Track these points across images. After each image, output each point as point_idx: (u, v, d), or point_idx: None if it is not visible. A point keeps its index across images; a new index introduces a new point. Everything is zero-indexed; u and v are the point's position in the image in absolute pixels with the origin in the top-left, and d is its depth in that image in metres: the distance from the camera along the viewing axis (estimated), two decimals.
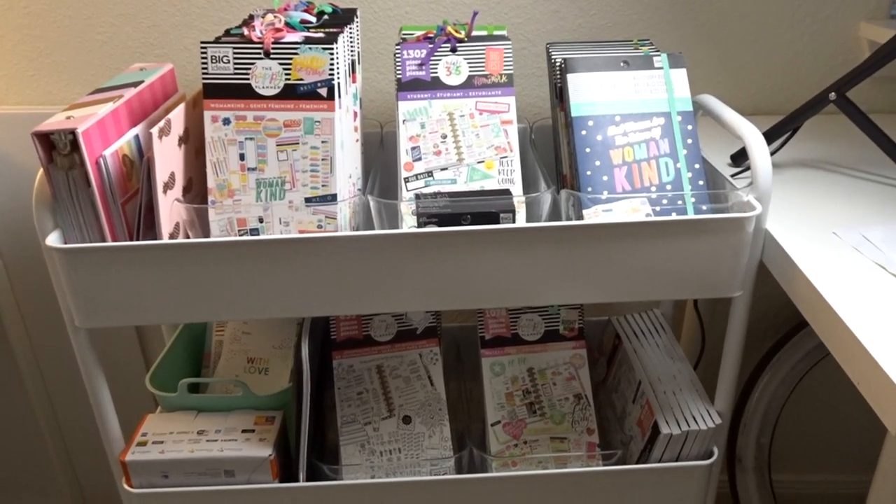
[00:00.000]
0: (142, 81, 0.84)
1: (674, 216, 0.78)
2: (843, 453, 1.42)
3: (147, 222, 0.76)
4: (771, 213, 0.80)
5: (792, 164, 0.97)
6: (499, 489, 0.88)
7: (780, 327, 1.21)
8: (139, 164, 0.78)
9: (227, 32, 0.82)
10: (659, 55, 0.84)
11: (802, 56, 1.14)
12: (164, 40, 1.11)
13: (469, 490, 0.88)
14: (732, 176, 0.92)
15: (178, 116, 0.79)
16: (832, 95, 0.89)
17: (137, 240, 0.76)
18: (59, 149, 0.71)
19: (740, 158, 0.96)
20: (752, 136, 0.78)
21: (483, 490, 0.88)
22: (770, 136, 0.94)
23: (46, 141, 0.71)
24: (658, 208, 0.79)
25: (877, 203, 0.85)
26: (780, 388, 1.21)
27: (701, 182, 0.81)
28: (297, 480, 0.87)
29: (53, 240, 0.74)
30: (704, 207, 0.80)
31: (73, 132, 0.69)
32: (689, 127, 0.83)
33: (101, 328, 0.78)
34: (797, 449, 1.41)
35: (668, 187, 0.81)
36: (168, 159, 0.76)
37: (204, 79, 0.77)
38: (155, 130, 0.73)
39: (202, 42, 0.76)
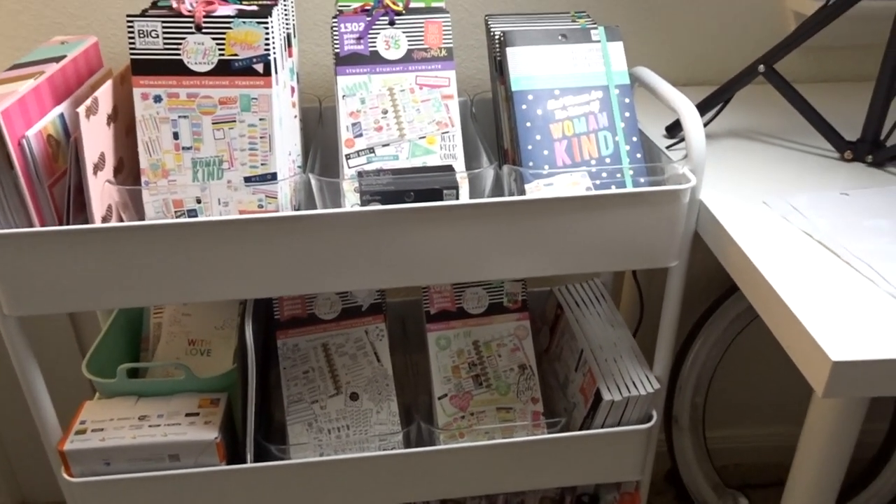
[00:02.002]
0: (64, 56, 0.79)
1: (613, 189, 0.79)
2: (773, 408, 1.49)
3: (77, 205, 0.73)
4: (704, 183, 0.82)
5: (724, 135, 1.00)
6: (447, 461, 0.90)
7: (713, 292, 1.26)
8: (66, 145, 0.75)
9: (155, 4, 0.79)
10: (596, 28, 0.85)
11: (733, 27, 1.17)
12: (85, 10, 1.05)
13: (418, 463, 0.89)
14: (668, 147, 0.94)
15: (105, 94, 0.75)
16: (761, 68, 0.92)
17: (68, 224, 0.73)
18: None
19: (675, 130, 0.98)
20: (686, 109, 0.80)
21: (432, 463, 0.89)
22: (703, 107, 0.96)
23: None
24: (598, 182, 0.81)
25: (804, 172, 0.88)
26: (713, 350, 1.26)
27: (638, 155, 0.83)
28: (244, 462, 0.87)
29: None
30: (642, 180, 0.82)
31: None
32: (627, 100, 0.84)
33: (33, 315, 0.75)
34: (730, 406, 1.48)
35: (607, 161, 0.82)
36: (97, 139, 0.73)
37: (132, 54, 0.74)
38: (82, 109, 0.70)
39: (128, 15, 0.73)
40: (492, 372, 0.96)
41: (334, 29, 0.83)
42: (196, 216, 0.76)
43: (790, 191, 0.83)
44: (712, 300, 1.25)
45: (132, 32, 0.73)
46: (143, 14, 0.74)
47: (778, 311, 0.65)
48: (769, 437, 1.51)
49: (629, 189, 0.80)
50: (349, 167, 0.82)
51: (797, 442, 0.78)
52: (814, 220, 0.77)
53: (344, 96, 0.83)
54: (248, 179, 0.76)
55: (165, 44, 0.73)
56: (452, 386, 0.95)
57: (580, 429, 0.93)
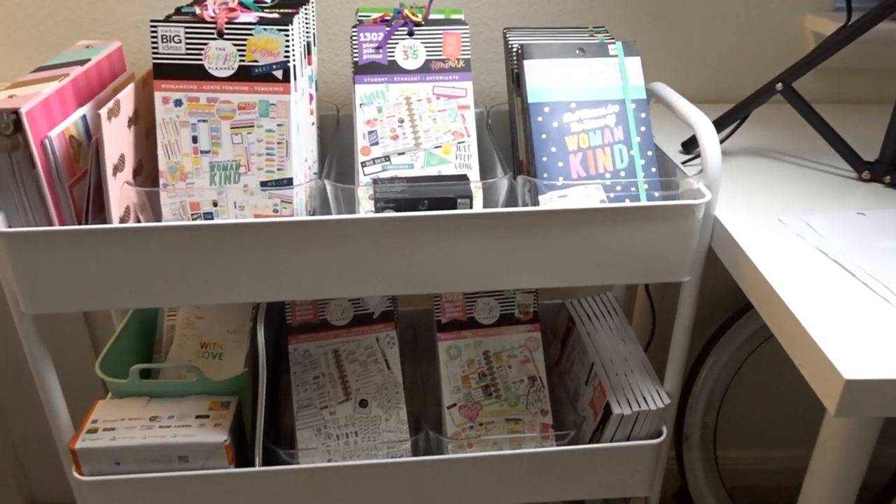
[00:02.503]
0: (88, 59, 0.81)
1: (627, 203, 0.79)
2: (785, 430, 1.48)
3: (96, 206, 0.74)
4: (719, 199, 0.82)
5: (740, 152, 1.00)
6: (455, 471, 0.89)
7: (727, 310, 1.25)
8: (87, 146, 0.76)
9: (178, 11, 0.80)
10: (614, 43, 0.85)
11: (751, 46, 1.17)
12: (110, 17, 1.07)
13: (425, 472, 0.89)
14: (683, 163, 0.94)
15: (127, 97, 0.77)
16: (779, 86, 0.92)
17: (86, 224, 0.74)
18: (1, 129, 0.69)
19: (691, 146, 0.98)
20: (703, 125, 0.80)
21: (439, 472, 0.89)
22: (719, 124, 0.96)
23: None
24: (612, 195, 0.81)
25: (819, 191, 0.88)
26: (725, 368, 1.25)
27: (653, 169, 0.83)
28: (252, 466, 0.87)
29: None
30: (656, 194, 0.82)
31: (16, 112, 0.67)
32: (643, 115, 0.84)
33: (48, 314, 0.76)
34: (741, 426, 1.46)
35: (622, 174, 0.82)
36: (117, 141, 0.74)
37: (154, 59, 0.75)
38: (104, 111, 0.71)
39: (152, 21, 0.74)
40: (501, 383, 0.96)
41: (354, 38, 0.84)
42: (212, 219, 0.77)
43: (806, 209, 0.83)
44: (726, 318, 1.25)
45: (155, 37, 0.74)
46: (167, 20, 0.75)
47: (791, 329, 0.65)
48: (781, 459, 1.49)
49: (643, 202, 0.80)
50: (364, 174, 0.82)
51: (807, 465, 0.78)
52: (829, 238, 0.76)
53: (361, 104, 0.84)
54: (264, 184, 0.77)
55: (188, 49, 0.75)
56: (462, 396, 0.95)
57: (589, 442, 0.93)
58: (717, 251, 0.81)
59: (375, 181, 0.80)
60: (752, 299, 0.73)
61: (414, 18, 0.86)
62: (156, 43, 0.74)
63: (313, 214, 0.83)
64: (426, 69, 0.85)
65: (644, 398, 0.90)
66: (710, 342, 1.25)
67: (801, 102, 0.92)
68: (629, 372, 0.94)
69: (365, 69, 0.84)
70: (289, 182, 0.77)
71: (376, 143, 0.83)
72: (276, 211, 0.77)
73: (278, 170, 0.77)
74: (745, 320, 1.22)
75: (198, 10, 0.76)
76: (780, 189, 0.88)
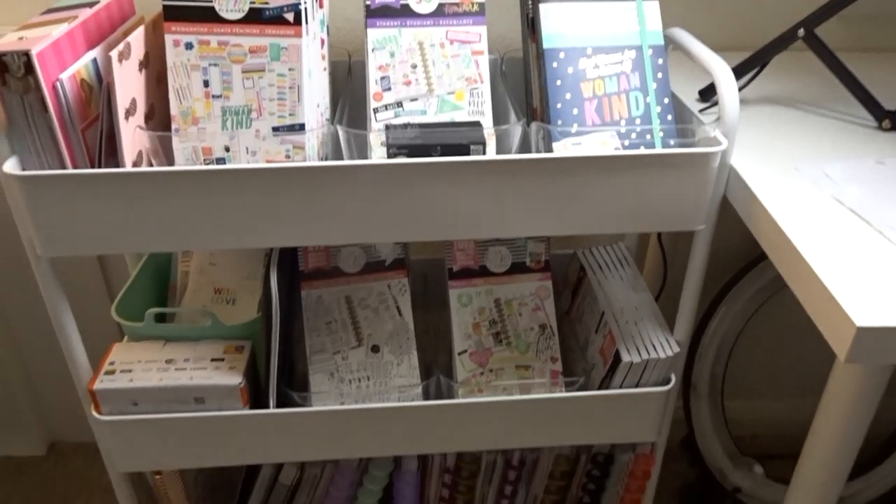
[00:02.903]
0: (97, 2, 0.80)
1: (642, 150, 0.78)
2: (792, 381, 1.49)
3: (108, 150, 0.74)
4: (736, 148, 0.81)
5: (759, 100, 0.98)
6: (465, 415, 0.91)
7: (739, 260, 1.24)
8: (98, 90, 0.75)
9: None
10: None
11: None
12: None
13: (436, 416, 0.91)
14: (701, 111, 0.93)
15: (137, 39, 0.76)
16: (801, 32, 0.90)
17: (99, 167, 0.74)
18: (12, 71, 0.68)
19: (709, 93, 0.96)
20: (721, 72, 0.78)
21: (449, 416, 0.91)
22: (738, 71, 0.94)
23: None
24: (627, 142, 0.80)
25: (838, 139, 0.86)
26: (735, 319, 1.26)
27: (669, 117, 0.82)
28: (266, 408, 0.89)
29: (11, 166, 0.71)
30: (672, 142, 0.81)
31: (27, 54, 0.66)
32: (660, 61, 0.83)
33: (64, 258, 0.77)
34: (749, 377, 1.48)
35: (638, 121, 0.81)
36: (128, 84, 0.74)
37: (164, 0, 0.74)
38: (114, 54, 0.70)
39: None
40: (512, 330, 0.96)
41: None
42: (224, 164, 0.77)
43: (824, 158, 0.82)
44: (737, 269, 1.24)
45: None
46: None
47: (804, 276, 0.64)
48: (788, 409, 1.51)
49: (658, 150, 0.79)
50: (377, 120, 0.82)
51: (812, 414, 0.78)
52: (846, 187, 0.75)
53: (373, 49, 0.82)
54: (275, 129, 0.77)
55: None
56: (472, 342, 0.96)
57: (598, 389, 0.94)
58: (732, 200, 0.81)
59: (388, 127, 0.79)
60: (766, 248, 0.73)
61: None
62: None
63: (326, 160, 0.82)
64: (440, 13, 0.83)
65: (654, 346, 0.90)
66: (722, 293, 1.25)
67: (822, 48, 0.90)
68: (639, 320, 0.94)
69: (377, 13, 0.83)
70: (301, 127, 0.77)
71: (388, 89, 0.82)
72: (287, 156, 0.77)
73: (290, 115, 0.77)
74: (757, 272, 1.22)
75: None
76: (798, 138, 0.87)
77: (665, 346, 0.90)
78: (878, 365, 0.68)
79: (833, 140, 0.86)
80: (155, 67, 0.80)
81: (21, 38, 0.69)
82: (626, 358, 0.89)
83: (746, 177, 0.78)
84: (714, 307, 1.26)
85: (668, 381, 0.92)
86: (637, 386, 0.92)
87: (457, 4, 0.84)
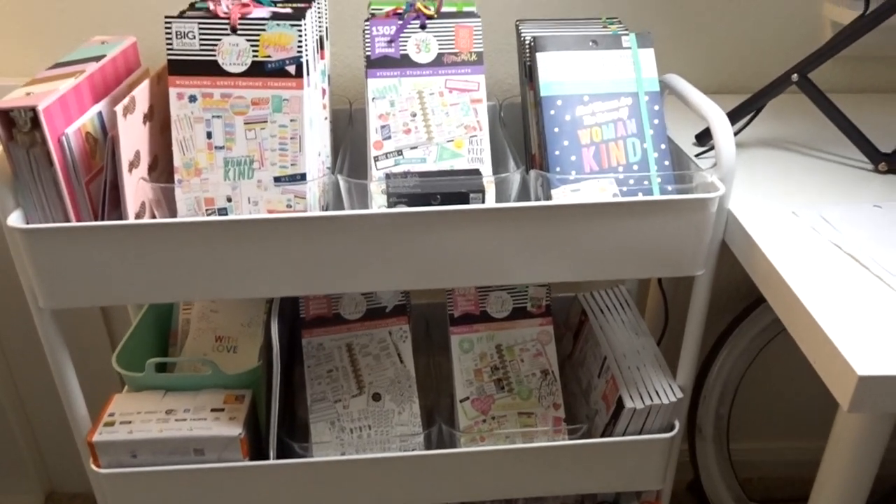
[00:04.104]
0: (104, 55, 0.81)
1: (640, 196, 0.79)
2: (798, 422, 1.47)
3: (112, 201, 0.75)
4: (733, 192, 0.81)
5: (755, 144, 0.99)
6: (467, 464, 0.90)
7: (740, 302, 1.24)
8: (103, 142, 0.77)
9: (192, 6, 0.81)
10: (627, 35, 0.85)
11: (767, 36, 1.16)
12: (124, 10, 1.08)
13: (439, 465, 0.90)
14: (697, 156, 0.94)
15: (142, 93, 0.77)
16: (794, 77, 0.91)
17: (102, 219, 0.75)
18: (19, 126, 0.69)
19: (705, 138, 0.97)
20: (717, 118, 0.79)
21: (452, 465, 0.90)
22: (734, 116, 0.95)
23: (6, 118, 0.69)
24: (625, 188, 0.80)
25: (835, 183, 0.87)
26: (738, 361, 1.25)
27: (666, 162, 0.83)
28: (267, 459, 0.88)
29: (15, 219, 0.72)
30: (670, 188, 0.81)
31: (33, 109, 0.68)
32: (656, 107, 0.84)
33: (66, 309, 0.77)
34: (755, 418, 1.46)
35: (635, 167, 0.82)
36: (133, 137, 0.75)
37: (169, 55, 0.75)
38: (119, 108, 0.71)
39: (166, 17, 0.75)
40: (514, 376, 0.96)
41: (366, 32, 0.84)
42: (226, 214, 0.77)
43: (821, 202, 0.82)
44: (739, 310, 1.24)
45: (170, 33, 0.75)
46: (181, 15, 0.76)
47: (804, 324, 0.64)
48: (794, 450, 1.49)
49: (656, 196, 0.79)
50: (377, 169, 0.83)
51: (820, 456, 0.77)
52: (844, 231, 0.76)
53: (374, 99, 0.84)
54: (277, 179, 0.77)
55: (201, 45, 0.75)
56: (474, 389, 0.95)
57: (601, 436, 0.93)
58: (731, 244, 0.81)
59: (388, 176, 0.80)
60: (766, 293, 0.73)
61: (426, 12, 0.85)
62: (170, 39, 0.75)
63: (327, 209, 0.83)
64: (438, 63, 0.85)
65: (657, 392, 0.90)
66: (724, 335, 1.25)
67: (816, 93, 0.91)
68: (642, 365, 0.94)
69: (377, 63, 0.84)
70: (302, 177, 0.77)
71: (389, 138, 0.83)
72: (289, 206, 0.78)
73: (292, 165, 0.77)
74: (758, 313, 1.22)
75: (211, 6, 0.77)
76: (794, 181, 0.88)
77: (668, 392, 0.90)
78: (883, 413, 0.67)
79: (830, 183, 0.87)
80: (159, 119, 0.82)
81: (28, 94, 0.71)
82: (629, 404, 0.88)
83: (745, 221, 0.78)
84: (717, 348, 1.25)
85: (672, 428, 0.91)
86: (641, 432, 0.91)
87: (455, 54, 0.85)
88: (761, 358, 1.29)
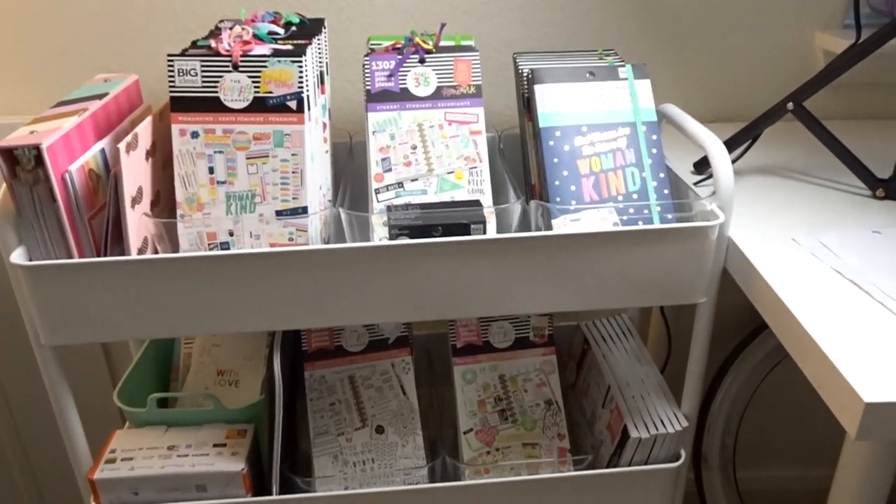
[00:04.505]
0: (106, 94, 0.82)
1: (640, 225, 0.79)
2: (806, 449, 1.46)
3: (115, 237, 0.75)
4: (733, 220, 0.82)
5: (752, 172, 1.00)
6: (472, 497, 0.89)
7: (742, 329, 1.24)
8: (106, 179, 0.77)
9: (194, 44, 0.82)
10: (624, 66, 0.86)
11: (761, 64, 1.17)
12: (126, 48, 1.10)
13: (443, 499, 0.89)
14: (695, 184, 0.94)
15: (145, 130, 0.78)
16: (790, 106, 0.92)
17: (105, 255, 0.75)
18: (22, 164, 0.70)
19: (702, 166, 0.98)
20: (715, 147, 0.80)
21: (457, 498, 0.89)
22: (731, 144, 0.96)
23: (9, 156, 0.69)
24: (625, 217, 0.81)
25: (834, 209, 0.88)
26: (743, 388, 1.24)
27: (666, 191, 0.83)
28: (270, 494, 0.87)
29: (18, 256, 0.72)
30: (670, 216, 0.82)
31: (37, 147, 0.68)
32: (654, 137, 0.85)
33: (68, 345, 0.77)
34: (761, 446, 1.45)
35: (635, 196, 0.82)
36: (135, 173, 0.76)
37: (171, 92, 0.76)
38: (122, 145, 0.72)
39: (169, 55, 0.76)
40: (518, 407, 0.95)
41: (366, 67, 0.85)
42: (228, 249, 0.78)
43: (820, 228, 0.83)
44: (742, 337, 1.24)
45: (172, 71, 0.76)
46: (184, 53, 0.77)
47: (809, 350, 0.64)
48: (802, 479, 1.47)
49: (657, 225, 0.80)
50: (378, 201, 0.83)
51: (828, 484, 0.77)
52: (844, 258, 0.76)
53: (374, 132, 0.84)
54: (279, 213, 0.78)
55: (203, 82, 0.76)
56: (478, 420, 0.94)
57: (607, 466, 0.92)
58: (732, 272, 0.81)
59: (389, 208, 0.81)
60: (769, 320, 0.73)
61: (425, 46, 0.87)
62: (172, 76, 0.76)
63: (328, 242, 0.83)
64: (438, 96, 0.86)
65: (661, 421, 0.89)
66: (727, 361, 1.24)
67: (812, 121, 0.92)
68: (646, 394, 0.93)
69: (377, 97, 0.85)
70: (304, 211, 0.78)
71: (389, 170, 0.84)
72: (291, 239, 0.78)
73: (293, 199, 0.78)
74: (761, 339, 1.21)
75: (213, 44, 0.78)
76: (793, 208, 0.88)
77: (673, 421, 0.89)
78: (891, 440, 0.67)
79: (828, 210, 0.88)
80: (161, 155, 0.82)
81: (32, 132, 0.71)
82: (634, 434, 0.87)
83: (745, 249, 0.78)
84: (720, 376, 1.25)
85: (678, 457, 0.90)
86: (647, 462, 0.90)
87: (454, 87, 0.86)
88: (765, 385, 1.28)
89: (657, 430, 0.88)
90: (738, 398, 1.24)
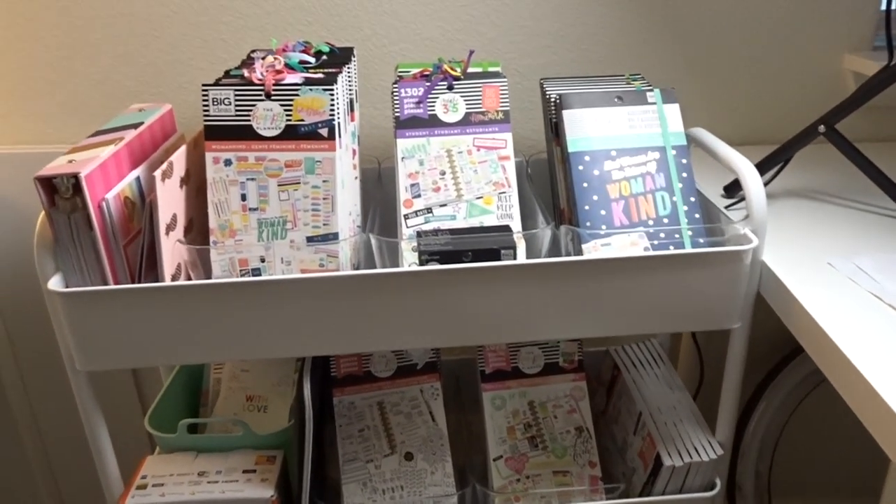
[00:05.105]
0: (141, 123, 0.84)
1: (672, 250, 0.79)
2: (844, 477, 1.42)
3: (149, 263, 0.76)
4: (766, 243, 0.81)
5: (783, 195, 0.98)
6: None
7: (775, 353, 1.22)
8: (141, 206, 0.78)
9: (227, 74, 0.83)
10: (652, 90, 0.86)
11: (790, 87, 1.16)
12: (160, 79, 1.12)
13: None
14: (726, 207, 0.93)
15: (179, 158, 0.79)
16: (821, 128, 0.91)
17: (139, 281, 0.76)
18: (61, 192, 0.71)
19: (733, 189, 0.97)
20: (747, 170, 0.79)
21: None
22: (762, 167, 0.95)
23: (49, 185, 0.71)
24: (656, 242, 0.80)
25: (867, 232, 0.86)
26: (777, 414, 1.22)
27: (697, 215, 0.82)
28: None
29: (55, 283, 0.73)
30: (701, 240, 0.81)
31: (75, 176, 0.70)
32: (684, 161, 0.84)
33: (102, 371, 0.77)
34: (796, 475, 1.41)
35: (665, 221, 0.82)
36: (170, 201, 0.77)
37: (206, 120, 0.77)
38: (158, 173, 0.73)
39: (203, 85, 0.77)
40: (548, 434, 0.94)
41: (395, 94, 0.86)
42: (260, 275, 0.78)
43: (855, 252, 0.81)
44: (776, 361, 1.22)
45: (206, 100, 0.77)
46: (217, 83, 0.78)
47: (848, 376, 0.63)
48: None
49: (689, 250, 0.79)
50: (407, 227, 0.83)
51: None
52: (882, 282, 0.74)
53: (403, 158, 0.85)
54: (310, 239, 0.78)
55: (237, 110, 0.77)
56: (508, 447, 0.93)
57: (640, 495, 0.90)
58: (766, 296, 0.80)
59: (419, 234, 0.81)
60: (806, 346, 0.72)
61: (453, 73, 0.88)
62: (207, 105, 0.77)
63: (358, 267, 0.84)
64: (466, 122, 0.86)
65: (695, 448, 0.88)
66: (761, 387, 1.22)
67: (845, 143, 0.91)
68: (678, 421, 0.92)
69: (406, 124, 0.86)
70: (334, 237, 0.78)
71: (418, 196, 0.84)
72: (321, 265, 0.79)
73: (324, 225, 0.78)
74: (796, 364, 1.19)
75: (246, 73, 0.79)
76: (827, 231, 0.87)
77: (707, 448, 0.87)
78: None
79: (863, 233, 0.86)
80: (195, 182, 0.84)
81: (71, 161, 0.73)
82: (667, 462, 0.86)
83: (780, 273, 0.77)
84: (754, 402, 1.22)
85: (713, 486, 0.89)
86: (681, 491, 0.88)
87: (482, 113, 0.87)
88: (801, 411, 1.25)
89: (691, 458, 0.86)
90: (772, 424, 1.22)
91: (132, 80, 1.12)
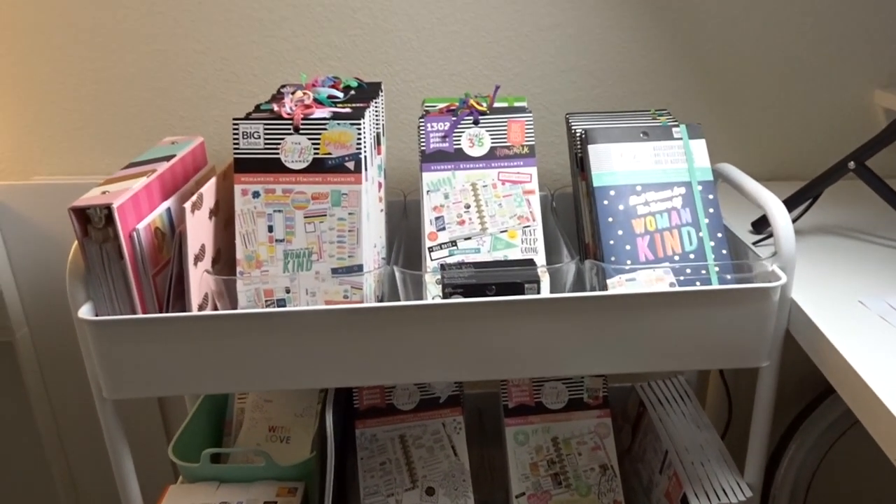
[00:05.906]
0: (173, 155, 0.86)
1: (698, 286, 0.78)
2: None
3: (177, 293, 0.77)
4: (795, 281, 0.80)
5: (812, 231, 0.97)
6: None
7: (807, 393, 1.19)
8: (170, 236, 0.80)
9: (258, 108, 0.85)
10: (678, 126, 0.86)
11: (818, 123, 1.16)
12: (193, 112, 1.15)
13: None
14: (754, 244, 0.92)
15: (209, 190, 0.81)
16: (851, 164, 0.90)
17: (167, 310, 0.77)
18: (94, 222, 0.73)
19: (761, 225, 0.96)
20: (775, 207, 0.78)
21: None
22: (790, 203, 0.94)
23: (82, 215, 0.73)
24: (682, 278, 0.79)
25: None
26: (808, 456, 1.18)
27: (724, 251, 0.82)
28: None
29: (85, 312, 0.75)
30: (729, 277, 0.80)
31: (108, 207, 0.71)
32: (710, 196, 0.84)
33: (129, 399, 0.78)
34: None
35: (691, 256, 0.81)
36: (199, 232, 0.78)
37: (235, 154, 0.79)
38: (188, 205, 0.75)
39: (234, 119, 0.79)
40: (571, 471, 0.93)
41: (421, 128, 0.87)
42: (284, 305, 0.79)
43: (887, 290, 0.80)
44: (808, 401, 1.19)
45: (237, 134, 0.79)
46: (247, 117, 0.80)
47: (881, 418, 0.61)
48: None
49: (716, 286, 0.78)
50: (432, 259, 0.84)
51: None
52: None
53: (428, 191, 0.86)
54: (335, 271, 0.79)
55: (266, 144, 0.79)
56: (530, 484, 0.92)
57: None
58: (796, 335, 0.78)
59: (443, 266, 0.81)
60: (837, 387, 0.70)
61: (479, 108, 0.88)
62: (237, 139, 0.79)
63: (382, 299, 0.84)
64: (491, 156, 0.87)
65: (723, 490, 0.86)
66: (792, 427, 1.19)
67: (875, 180, 0.90)
68: (706, 461, 0.90)
69: (432, 157, 0.87)
70: (359, 269, 0.79)
71: (443, 229, 0.85)
72: (346, 297, 0.79)
73: (349, 256, 0.79)
74: (827, 404, 1.16)
75: (275, 107, 0.81)
76: (857, 269, 0.86)
77: (736, 490, 0.85)
78: None
79: (894, 270, 0.84)
80: (224, 213, 0.85)
81: (104, 192, 0.75)
82: (694, 503, 0.84)
83: (809, 311, 0.76)
84: (784, 443, 1.19)
85: None
86: None
87: (507, 147, 0.87)
88: (833, 453, 1.22)
89: (719, 499, 0.84)
90: (804, 466, 1.18)
91: (166, 114, 1.15)
